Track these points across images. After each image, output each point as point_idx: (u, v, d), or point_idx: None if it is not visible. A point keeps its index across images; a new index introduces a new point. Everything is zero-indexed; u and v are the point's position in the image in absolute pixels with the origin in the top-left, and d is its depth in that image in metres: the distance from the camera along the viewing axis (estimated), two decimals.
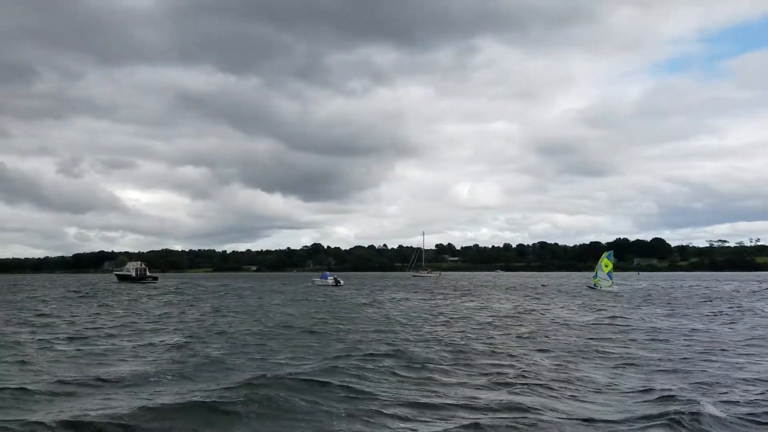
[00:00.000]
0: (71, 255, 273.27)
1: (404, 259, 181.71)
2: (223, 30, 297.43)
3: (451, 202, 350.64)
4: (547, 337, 19.43)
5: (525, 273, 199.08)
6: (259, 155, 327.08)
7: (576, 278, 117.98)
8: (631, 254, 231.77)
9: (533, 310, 32.16)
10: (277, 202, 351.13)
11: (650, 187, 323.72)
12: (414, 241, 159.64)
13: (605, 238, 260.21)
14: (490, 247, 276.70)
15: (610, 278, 57.22)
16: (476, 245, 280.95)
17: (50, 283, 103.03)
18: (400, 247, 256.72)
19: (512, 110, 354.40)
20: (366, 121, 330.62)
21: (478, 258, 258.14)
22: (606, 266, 57.66)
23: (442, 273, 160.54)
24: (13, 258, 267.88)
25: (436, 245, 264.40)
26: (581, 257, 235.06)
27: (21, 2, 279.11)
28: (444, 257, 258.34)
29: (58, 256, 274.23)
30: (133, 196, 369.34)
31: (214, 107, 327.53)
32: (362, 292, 55.60)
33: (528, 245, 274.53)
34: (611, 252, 61.13)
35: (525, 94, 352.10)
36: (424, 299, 43.76)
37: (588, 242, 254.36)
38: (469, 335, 19.77)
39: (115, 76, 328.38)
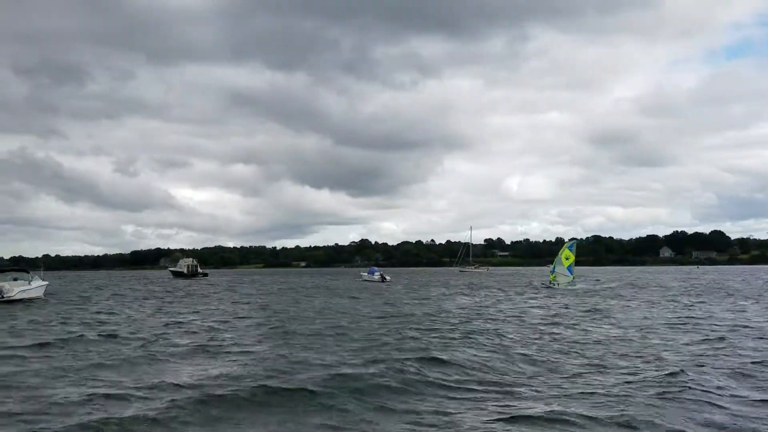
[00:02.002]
0: (129, 252, 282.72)
1: (452, 254, 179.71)
2: (271, 27, 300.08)
3: (501, 195, 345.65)
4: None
5: (577, 268, 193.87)
6: (306, 151, 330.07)
7: (638, 273, 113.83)
8: (689, 247, 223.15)
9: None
10: (325, 198, 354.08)
11: (709, 177, 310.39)
12: (462, 236, 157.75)
13: (662, 231, 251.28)
14: (541, 241, 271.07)
15: (571, 273, 48.98)
16: (527, 239, 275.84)
17: (122, 280, 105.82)
18: (448, 242, 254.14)
19: (565, 100, 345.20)
20: (414, 115, 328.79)
21: (528, 253, 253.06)
22: (567, 259, 49.19)
23: (491, 268, 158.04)
24: (73, 255, 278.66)
25: (485, 240, 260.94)
26: (637, 251, 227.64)
27: (74, 4, 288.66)
28: (493, 252, 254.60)
29: (116, 253, 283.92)
30: (186, 194, 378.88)
31: (264, 105, 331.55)
32: (414, 288, 54.59)
33: (581, 239, 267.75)
34: (574, 242, 52.74)
35: (578, 83, 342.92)
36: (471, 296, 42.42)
37: (644, 236, 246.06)
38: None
39: (166, 75, 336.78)
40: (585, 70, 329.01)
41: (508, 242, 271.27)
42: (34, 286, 40.50)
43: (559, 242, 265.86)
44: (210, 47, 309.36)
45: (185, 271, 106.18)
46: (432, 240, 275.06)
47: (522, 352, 15.48)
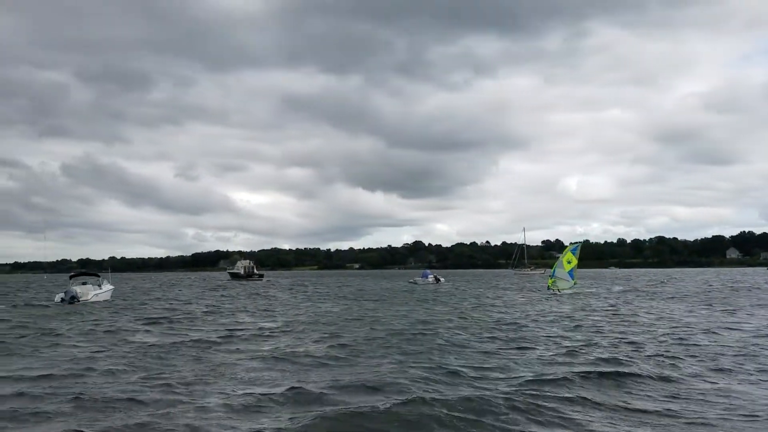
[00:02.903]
0: (190, 254, 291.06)
1: (508, 256, 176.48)
2: (325, 30, 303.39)
3: (560, 195, 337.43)
4: None
5: (640, 270, 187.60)
6: (360, 154, 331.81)
7: (709, 274, 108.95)
8: (757, 248, 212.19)
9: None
10: (378, 200, 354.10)
11: None
12: (518, 238, 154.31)
13: (729, 231, 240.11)
14: (602, 242, 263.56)
15: (572, 278, 44.50)
16: (586, 240, 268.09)
17: (193, 280, 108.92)
18: (504, 243, 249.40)
19: (628, 97, 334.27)
20: (468, 115, 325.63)
21: (588, 254, 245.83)
22: (569, 263, 44.48)
23: (547, 270, 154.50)
24: (137, 257, 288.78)
25: (543, 241, 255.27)
26: (703, 252, 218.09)
27: (136, 13, 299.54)
28: (551, 254, 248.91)
29: (178, 256, 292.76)
30: (244, 197, 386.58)
31: (318, 108, 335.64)
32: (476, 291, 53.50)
33: (644, 240, 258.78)
34: (578, 245, 46.87)
35: (641, 79, 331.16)
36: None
37: (710, 236, 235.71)
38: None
39: (225, 81, 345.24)
40: (648, 65, 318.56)
41: (566, 243, 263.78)
42: (105, 290, 42.49)
43: (621, 243, 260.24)
44: (266, 53, 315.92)
45: (242, 272, 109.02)
46: (487, 241, 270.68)
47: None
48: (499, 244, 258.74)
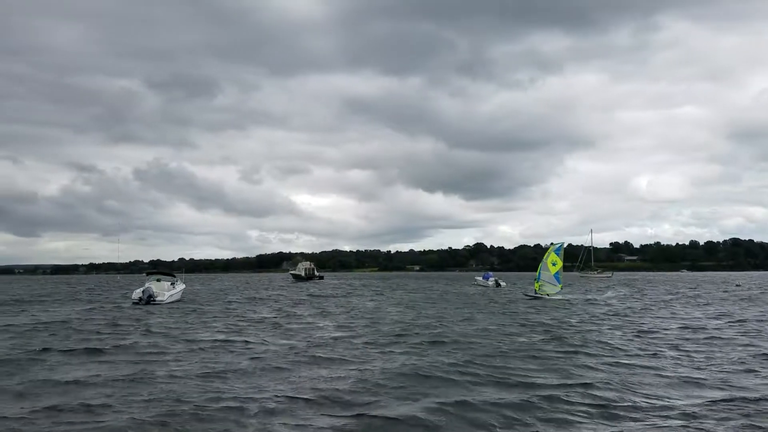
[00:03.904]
0: (254, 256, 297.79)
1: (574, 258, 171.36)
2: (386, 33, 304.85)
3: (629, 196, 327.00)
4: None
5: (711, 273, 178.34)
6: (420, 155, 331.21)
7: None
8: None
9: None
10: (438, 202, 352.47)
11: None
12: (585, 240, 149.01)
13: None
14: (673, 244, 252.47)
15: (559, 281, 40.99)
16: (657, 243, 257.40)
17: (259, 281, 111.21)
18: (570, 245, 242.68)
19: (701, 93, 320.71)
20: (533, 114, 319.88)
21: (659, 256, 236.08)
22: (554, 264, 40.75)
23: (615, 273, 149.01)
24: (204, 259, 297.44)
25: (611, 243, 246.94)
26: None
27: (202, 20, 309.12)
28: (620, 256, 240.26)
29: (244, 257, 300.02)
30: (306, 200, 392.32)
31: (378, 111, 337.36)
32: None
33: (718, 242, 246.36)
34: (561, 245, 42.27)
35: (715, 74, 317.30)
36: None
37: None
38: None
39: (288, 86, 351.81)
40: (722, 60, 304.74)
41: (636, 246, 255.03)
42: (178, 289, 43.28)
43: (694, 245, 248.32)
44: (328, 56, 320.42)
45: (303, 274, 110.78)
46: (551, 243, 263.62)
47: None
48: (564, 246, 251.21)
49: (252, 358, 15.30)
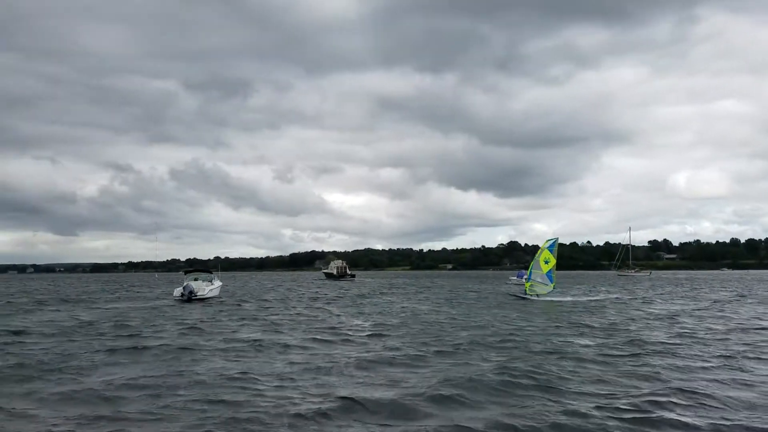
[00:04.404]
0: (288, 254, 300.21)
1: (611, 256, 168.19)
2: (420, 30, 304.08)
3: (667, 193, 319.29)
4: None
5: (753, 271, 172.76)
6: (453, 153, 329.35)
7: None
8: None
9: None
10: (471, 200, 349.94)
11: None
12: (622, 238, 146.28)
13: None
14: (713, 242, 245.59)
15: (551, 280, 38.15)
16: (697, 241, 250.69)
17: (293, 279, 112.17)
18: (607, 243, 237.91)
19: (742, 87, 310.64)
20: (569, 109, 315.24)
21: (699, 255, 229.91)
22: (546, 262, 37.97)
23: (654, 272, 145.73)
24: (239, 257, 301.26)
25: (649, 242, 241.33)
26: None
27: (237, 22, 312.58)
28: (658, 254, 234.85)
29: (277, 256, 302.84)
30: (338, 199, 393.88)
31: (411, 108, 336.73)
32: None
33: (760, 240, 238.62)
34: (555, 241, 39.24)
35: (756, 68, 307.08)
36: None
37: None
38: None
39: (321, 85, 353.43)
40: (762, 53, 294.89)
41: (675, 244, 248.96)
42: (215, 286, 44.76)
43: (735, 243, 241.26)
44: (361, 55, 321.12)
45: (335, 272, 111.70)
46: (588, 241, 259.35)
47: None
48: (601, 244, 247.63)
49: (291, 361, 15.35)
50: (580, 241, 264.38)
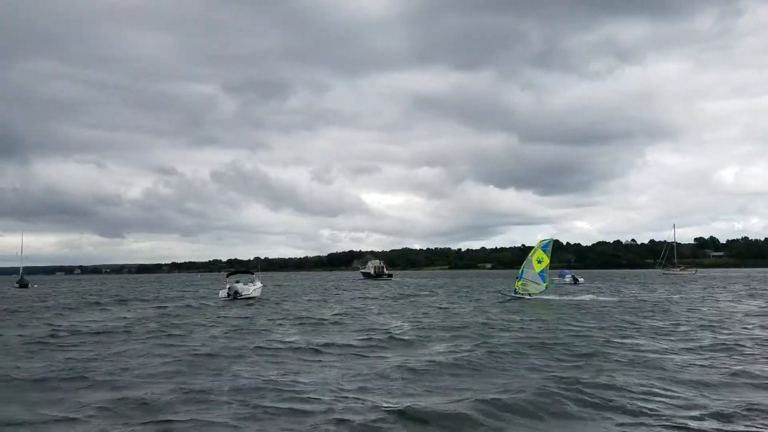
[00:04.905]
0: (326, 254, 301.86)
1: (656, 254, 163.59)
2: (456, 27, 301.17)
3: (714, 189, 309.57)
4: None
5: None
6: (491, 151, 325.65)
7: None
8: None
9: None
10: (510, 198, 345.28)
11: None
12: (667, 235, 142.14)
13: None
14: (762, 239, 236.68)
15: (544, 280, 37.54)
16: (745, 238, 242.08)
17: (331, 279, 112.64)
18: (651, 241, 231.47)
19: None
20: (611, 105, 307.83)
21: (747, 252, 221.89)
22: (539, 262, 37.50)
23: (699, 270, 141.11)
24: (278, 258, 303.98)
25: (695, 239, 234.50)
26: None
27: (275, 25, 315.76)
28: (705, 252, 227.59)
29: (316, 256, 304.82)
30: (376, 198, 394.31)
31: (448, 106, 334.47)
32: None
33: None
34: (549, 241, 38.70)
35: None
36: None
37: None
38: None
39: (357, 85, 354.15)
40: None
41: (722, 241, 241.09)
42: (258, 286, 45.49)
43: None
44: (397, 54, 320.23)
45: (372, 272, 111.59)
46: (632, 239, 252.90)
47: None
48: (645, 242, 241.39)
49: (334, 366, 15.17)
50: (624, 239, 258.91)
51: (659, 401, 10.37)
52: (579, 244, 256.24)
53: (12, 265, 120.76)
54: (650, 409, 9.84)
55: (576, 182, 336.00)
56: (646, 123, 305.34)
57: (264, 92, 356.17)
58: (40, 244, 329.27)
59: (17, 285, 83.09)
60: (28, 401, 10.97)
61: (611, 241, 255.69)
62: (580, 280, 73.01)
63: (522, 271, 38.48)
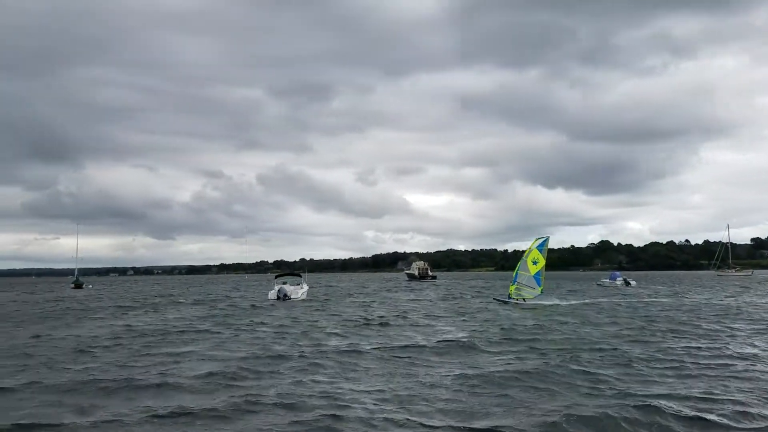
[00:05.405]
0: (370, 256, 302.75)
1: (710, 255, 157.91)
2: (501, 25, 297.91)
3: None
4: None
5: None
6: (538, 150, 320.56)
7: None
8: None
9: None
10: (559, 198, 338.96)
11: None
12: (722, 236, 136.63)
13: None
14: None
15: (539, 283, 34.31)
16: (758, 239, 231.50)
17: (378, 280, 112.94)
18: (706, 242, 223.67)
19: None
20: (664, 101, 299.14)
21: None
22: (535, 263, 34.23)
23: (755, 271, 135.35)
24: (324, 259, 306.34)
25: (752, 239, 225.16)
26: None
27: (319, 28, 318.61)
28: (762, 253, 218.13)
29: (360, 257, 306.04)
30: (420, 199, 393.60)
31: (493, 105, 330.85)
32: None
33: None
34: (545, 240, 35.20)
35: None
36: None
37: None
38: None
39: (401, 86, 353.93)
40: None
41: None
42: (305, 288, 46.42)
43: None
44: (441, 54, 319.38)
45: (417, 273, 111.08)
46: (686, 240, 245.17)
47: None
48: (700, 242, 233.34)
49: (383, 374, 14.68)
50: (678, 239, 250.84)
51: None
52: (630, 245, 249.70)
53: (68, 267, 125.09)
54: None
55: (627, 181, 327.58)
56: (702, 119, 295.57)
57: (309, 95, 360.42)
58: (95, 246, 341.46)
59: (72, 285, 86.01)
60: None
61: (664, 242, 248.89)
62: (632, 283, 70.56)
63: (516, 274, 35.60)
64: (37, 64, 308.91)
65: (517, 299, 35.46)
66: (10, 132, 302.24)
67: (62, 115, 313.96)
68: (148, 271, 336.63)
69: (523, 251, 36.98)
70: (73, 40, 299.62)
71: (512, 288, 35.87)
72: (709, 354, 15.90)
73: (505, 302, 36.35)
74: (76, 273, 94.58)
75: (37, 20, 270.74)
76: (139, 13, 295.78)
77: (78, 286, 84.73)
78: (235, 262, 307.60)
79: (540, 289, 34.66)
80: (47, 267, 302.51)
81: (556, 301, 37.48)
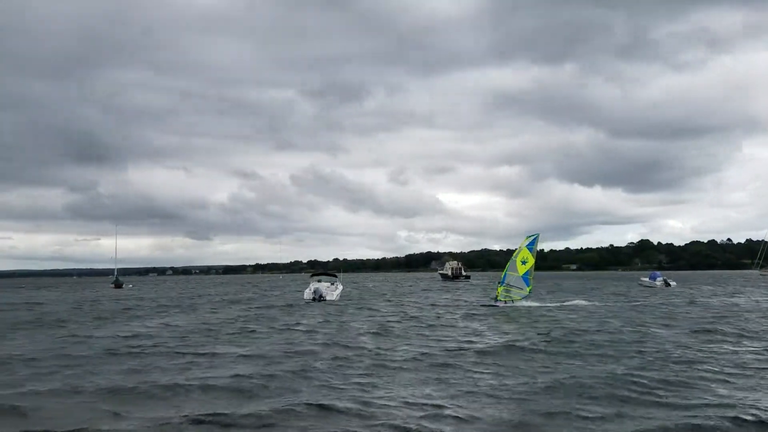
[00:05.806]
0: (404, 256, 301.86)
1: (753, 254, 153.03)
2: (536, 21, 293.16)
3: None
4: None
5: None
6: (575, 147, 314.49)
7: None
8: None
9: None
10: (597, 196, 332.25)
11: None
12: (766, 234, 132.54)
13: None
14: None
15: (528, 284, 33.24)
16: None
17: (410, 280, 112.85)
18: (749, 241, 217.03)
19: None
20: (705, 97, 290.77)
21: None
22: (524, 263, 33.17)
23: None
24: (356, 259, 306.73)
25: None
26: None
27: (351, 28, 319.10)
28: None
29: (393, 257, 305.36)
30: (453, 198, 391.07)
31: (528, 103, 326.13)
32: None
33: None
34: (535, 237, 34.33)
35: None
36: None
37: None
38: None
39: (434, 84, 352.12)
40: None
41: None
42: (339, 289, 46.56)
43: None
44: (474, 51, 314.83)
45: (450, 273, 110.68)
46: (728, 239, 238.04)
47: None
48: (742, 241, 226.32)
49: (424, 381, 14.56)
50: (719, 238, 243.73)
51: None
52: (671, 244, 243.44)
53: (108, 267, 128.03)
54: None
55: (667, 179, 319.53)
56: (744, 115, 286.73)
57: (341, 95, 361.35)
58: (134, 247, 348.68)
59: (112, 285, 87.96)
60: None
61: (705, 241, 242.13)
62: (672, 283, 68.49)
63: (504, 274, 34.34)
64: (74, 69, 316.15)
65: (505, 301, 34.24)
66: (52, 135, 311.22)
67: (101, 118, 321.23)
68: (186, 270, 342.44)
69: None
70: (108, 44, 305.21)
71: (500, 289, 34.53)
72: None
73: (493, 305, 34.82)
74: (115, 273, 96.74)
75: (72, 25, 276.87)
76: (172, 16, 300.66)
77: (118, 285, 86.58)
78: (270, 262, 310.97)
79: (528, 289, 33.72)
80: (88, 267, 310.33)
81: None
